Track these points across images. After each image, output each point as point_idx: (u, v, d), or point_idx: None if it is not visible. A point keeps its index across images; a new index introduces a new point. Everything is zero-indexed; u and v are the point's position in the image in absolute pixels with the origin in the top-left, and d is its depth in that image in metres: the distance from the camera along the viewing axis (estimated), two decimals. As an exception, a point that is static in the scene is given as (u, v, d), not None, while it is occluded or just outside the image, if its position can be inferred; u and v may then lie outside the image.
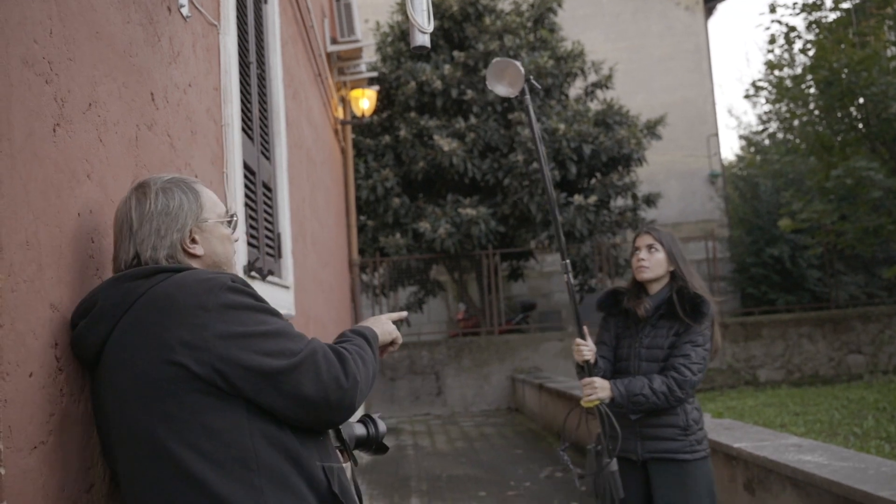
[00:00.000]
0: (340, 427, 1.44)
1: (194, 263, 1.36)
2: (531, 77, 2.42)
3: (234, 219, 1.47)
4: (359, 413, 1.71)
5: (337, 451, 1.40)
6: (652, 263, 2.62)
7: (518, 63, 2.37)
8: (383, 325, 1.56)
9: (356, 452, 1.52)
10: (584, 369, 2.56)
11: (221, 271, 1.34)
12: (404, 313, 1.71)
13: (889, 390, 8.77)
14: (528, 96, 2.41)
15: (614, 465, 2.41)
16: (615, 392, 2.50)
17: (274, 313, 1.26)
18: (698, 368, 2.50)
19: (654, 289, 2.66)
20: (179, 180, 1.40)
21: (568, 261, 2.51)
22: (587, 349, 2.54)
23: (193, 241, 1.36)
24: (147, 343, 1.18)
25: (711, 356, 2.60)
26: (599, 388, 2.50)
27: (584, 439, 2.92)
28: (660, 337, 2.60)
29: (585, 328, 2.56)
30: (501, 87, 2.42)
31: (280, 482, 1.17)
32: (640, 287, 2.69)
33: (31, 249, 1.17)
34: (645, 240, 2.66)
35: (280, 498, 1.16)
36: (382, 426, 1.55)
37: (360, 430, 1.53)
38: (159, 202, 1.34)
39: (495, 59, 2.43)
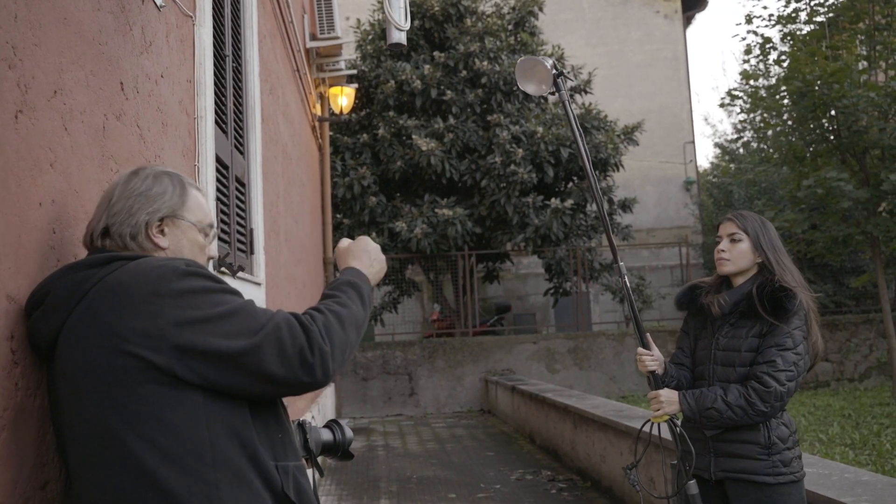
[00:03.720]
0: (307, 433, 1.44)
1: (157, 255, 1.33)
2: (563, 70, 2.23)
3: (213, 232, 1.46)
4: (327, 414, 1.71)
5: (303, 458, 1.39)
6: (733, 255, 2.26)
7: (545, 59, 2.20)
8: (372, 260, 1.46)
9: (321, 458, 1.51)
10: (651, 381, 2.25)
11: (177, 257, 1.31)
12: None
13: (854, 398, 8.95)
14: (563, 91, 2.21)
15: (694, 487, 2.10)
16: (684, 405, 2.18)
17: (233, 292, 1.23)
18: (787, 377, 2.10)
19: (738, 282, 2.28)
20: (176, 175, 1.40)
21: (622, 263, 2.22)
22: (650, 359, 2.23)
23: (161, 231, 1.34)
24: (100, 334, 1.15)
25: (812, 361, 2.20)
26: (666, 402, 2.19)
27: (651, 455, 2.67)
28: (737, 338, 2.22)
29: (648, 336, 2.25)
30: (531, 86, 2.26)
31: (236, 477, 1.15)
32: (723, 281, 2.34)
33: (-12, 238, 1.13)
34: (727, 228, 2.30)
35: (236, 493, 1.14)
36: (349, 432, 1.54)
37: (326, 435, 1.53)
38: (145, 184, 1.34)
39: (521, 59, 2.26)
